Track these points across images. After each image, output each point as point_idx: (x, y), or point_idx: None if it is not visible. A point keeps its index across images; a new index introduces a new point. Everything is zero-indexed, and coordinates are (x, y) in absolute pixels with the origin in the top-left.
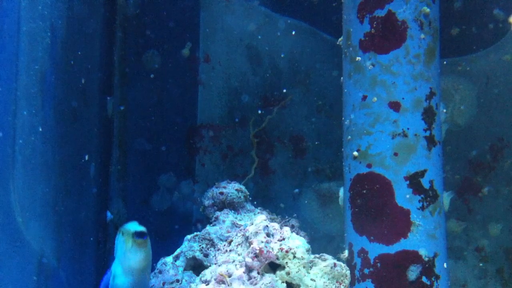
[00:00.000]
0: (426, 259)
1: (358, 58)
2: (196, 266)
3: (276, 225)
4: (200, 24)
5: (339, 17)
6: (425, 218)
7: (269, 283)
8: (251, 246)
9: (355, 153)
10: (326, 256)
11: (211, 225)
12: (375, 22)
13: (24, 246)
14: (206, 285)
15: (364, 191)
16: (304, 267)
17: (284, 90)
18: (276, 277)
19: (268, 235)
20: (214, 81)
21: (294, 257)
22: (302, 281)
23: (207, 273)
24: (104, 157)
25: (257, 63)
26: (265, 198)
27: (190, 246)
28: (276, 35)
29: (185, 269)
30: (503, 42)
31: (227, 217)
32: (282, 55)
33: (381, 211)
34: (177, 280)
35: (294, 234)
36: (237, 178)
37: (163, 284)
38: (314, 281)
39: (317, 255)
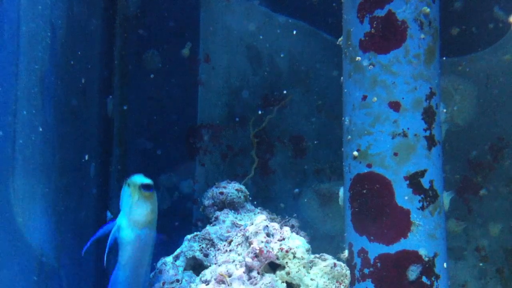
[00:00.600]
0: (426, 259)
1: (358, 58)
2: (196, 266)
3: (276, 225)
4: (200, 24)
5: (339, 17)
6: (425, 218)
7: (269, 283)
8: (251, 246)
9: (355, 153)
10: (326, 256)
11: (211, 225)
12: (375, 22)
13: (24, 246)
14: (206, 285)
15: (364, 191)
16: (304, 267)
17: (285, 92)
18: (276, 277)
19: (268, 235)
20: (214, 81)
21: (294, 257)
22: (302, 281)
23: (207, 273)
24: (104, 157)
25: (257, 63)
26: (265, 198)
27: (190, 246)
28: (276, 35)
29: (185, 269)
30: (503, 42)
31: (227, 217)
32: (282, 55)
33: (381, 211)
34: (177, 280)
35: (294, 234)
36: (237, 178)
37: (163, 284)
38: (314, 281)
39: (317, 255)
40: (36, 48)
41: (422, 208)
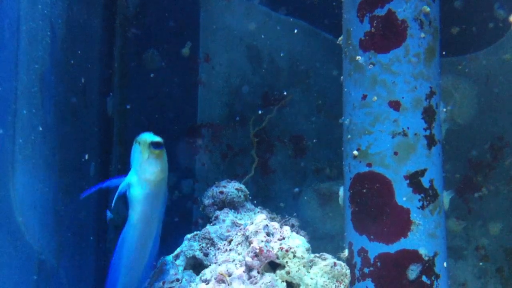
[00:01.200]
0: (426, 258)
1: (358, 57)
2: (196, 265)
3: (276, 224)
4: (200, 24)
5: (339, 16)
6: (425, 217)
7: (269, 282)
8: (251, 245)
9: (355, 152)
10: (326, 255)
11: (211, 224)
12: (375, 21)
13: (24, 246)
14: (206, 284)
15: (364, 190)
16: (304, 266)
17: (285, 93)
18: (276, 276)
19: (268, 234)
20: (214, 80)
21: (294, 256)
22: (302, 280)
23: (207, 273)
24: (104, 157)
25: (257, 63)
26: (265, 197)
27: (190, 245)
28: (276, 34)
29: (185, 268)
30: (503, 41)
31: (227, 216)
32: (281, 54)
33: (381, 210)
34: (177, 280)
35: (294, 233)
36: (237, 178)
37: (163, 283)
38: (314, 280)
39: (317, 254)
40: (36, 47)
41: (422, 207)
